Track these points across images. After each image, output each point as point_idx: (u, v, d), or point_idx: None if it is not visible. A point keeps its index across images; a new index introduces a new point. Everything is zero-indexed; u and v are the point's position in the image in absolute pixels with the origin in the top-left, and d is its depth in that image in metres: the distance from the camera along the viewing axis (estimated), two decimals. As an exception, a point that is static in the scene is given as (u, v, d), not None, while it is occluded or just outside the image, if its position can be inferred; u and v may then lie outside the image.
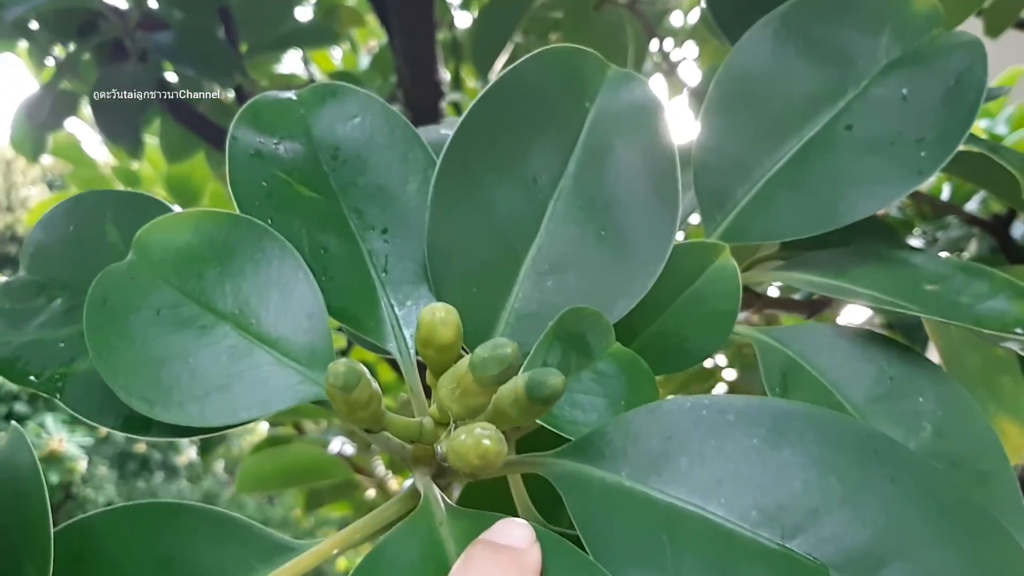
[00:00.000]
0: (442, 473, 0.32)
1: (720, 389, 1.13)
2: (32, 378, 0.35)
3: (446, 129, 0.45)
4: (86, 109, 1.22)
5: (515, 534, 0.26)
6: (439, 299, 0.34)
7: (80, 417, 0.34)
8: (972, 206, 0.81)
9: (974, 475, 0.39)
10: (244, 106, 0.37)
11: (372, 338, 0.33)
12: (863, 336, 0.44)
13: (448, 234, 0.35)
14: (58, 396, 0.35)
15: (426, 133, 0.39)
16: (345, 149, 0.37)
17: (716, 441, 0.29)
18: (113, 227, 0.38)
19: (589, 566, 0.26)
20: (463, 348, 0.30)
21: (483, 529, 0.27)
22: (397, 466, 1.38)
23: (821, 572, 0.27)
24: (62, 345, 0.36)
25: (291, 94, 0.39)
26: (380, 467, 1.43)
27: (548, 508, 0.37)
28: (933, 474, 0.28)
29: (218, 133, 1.14)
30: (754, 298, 0.51)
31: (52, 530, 0.30)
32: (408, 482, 0.33)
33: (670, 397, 0.30)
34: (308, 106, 0.38)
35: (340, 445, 1.40)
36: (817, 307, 0.54)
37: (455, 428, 0.27)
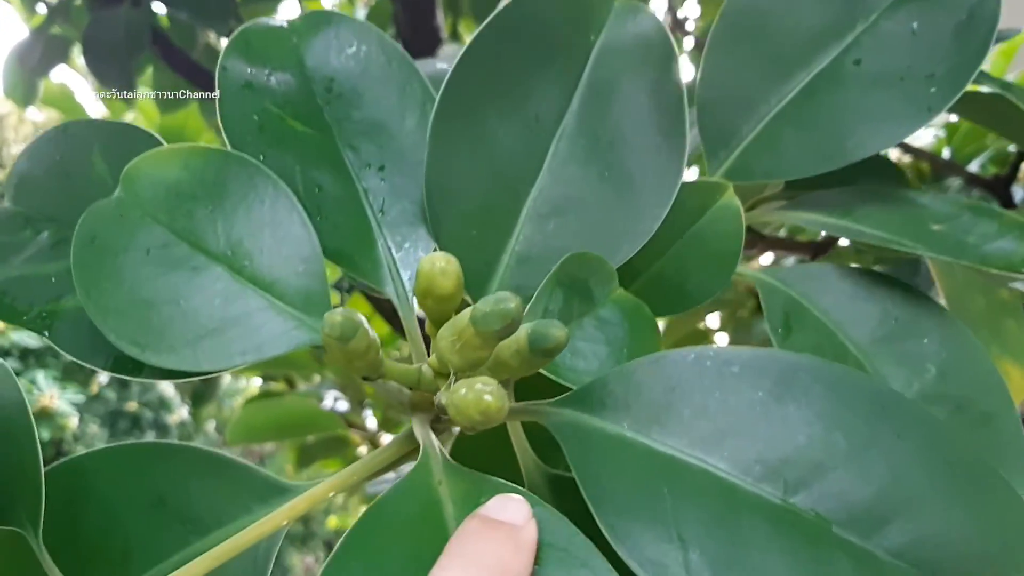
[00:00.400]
0: (440, 418, 0.32)
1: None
2: (20, 315, 0.34)
3: (443, 63, 0.43)
4: (79, 60, 1.19)
5: (511, 510, 0.25)
6: (437, 241, 0.33)
7: (70, 356, 0.33)
8: (972, 168, 0.80)
9: (978, 417, 0.39)
10: (234, 34, 0.36)
11: (369, 281, 0.32)
12: (867, 277, 0.43)
13: (447, 174, 0.34)
14: (47, 334, 0.34)
15: (423, 67, 0.37)
16: (340, 81, 0.36)
17: (720, 393, 0.29)
18: (100, 159, 0.37)
19: (585, 544, 0.26)
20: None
21: (482, 491, 0.26)
22: (390, 423, 1.38)
23: (823, 527, 0.27)
24: (51, 281, 0.35)
25: (283, 22, 0.37)
26: (372, 422, 1.43)
27: (546, 450, 0.37)
28: (940, 430, 0.28)
29: (208, 79, 1.11)
30: (757, 239, 0.50)
31: (42, 468, 0.29)
32: (406, 427, 0.33)
33: (673, 350, 0.29)
34: (301, 34, 0.37)
35: (333, 401, 1.40)
36: (820, 249, 0.53)
37: (455, 381, 0.27)
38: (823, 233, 0.59)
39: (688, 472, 0.28)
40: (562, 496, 0.34)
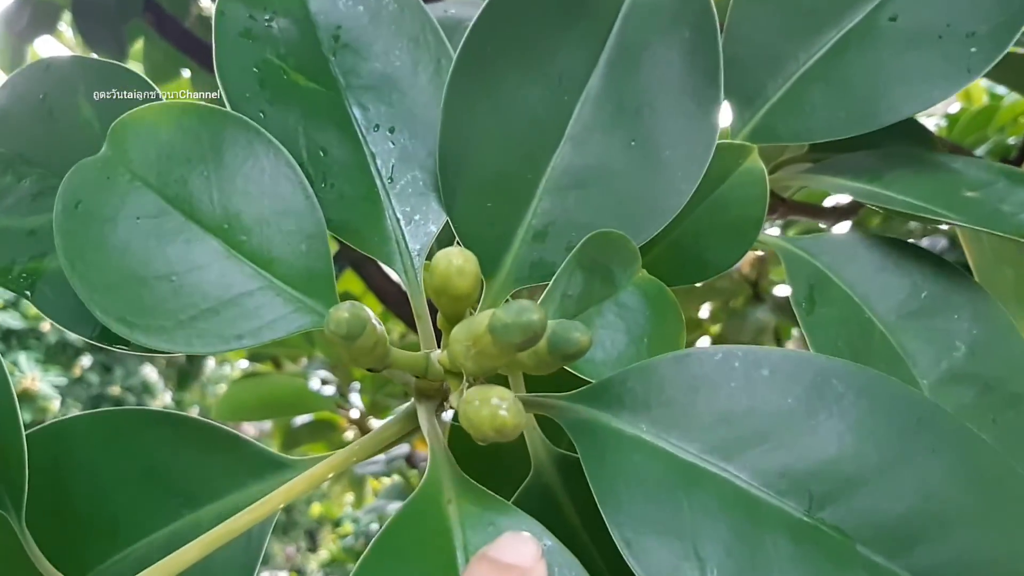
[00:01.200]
0: (444, 404, 0.30)
1: (704, 342, 1.11)
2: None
3: (454, 7, 0.40)
4: (67, 34, 1.13)
5: (521, 551, 0.24)
6: (449, 213, 0.31)
7: (54, 322, 0.31)
8: (979, 153, 0.78)
9: (1007, 398, 0.37)
10: (233, -28, 0.32)
11: (375, 256, 0.30)
12: (897, 247, 0.41)
13: (462, 139, 0.31)
14: (28, 295, 0.32)
15: (431, 10, 0.34)
16: (348, 29, 0.33)
17: (747, 399, 0.27)
18: (87, 103, 0.34)
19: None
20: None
21: (493, 515, 0.25)
22: (378, 408, 1.36)
23: (846, 548, 0.25)
24: (33, 235, 0.33)
25: (287, -41, 0.34)
26: (359, 402, 1.41)
27: (552, 426, 0.36)
28: (978, 447, 0.26)
29: (205, 51, 1.05)
30: (777, 203, 0.47)
31: (25, 448, 0.27)
32: (404, 405, 0.31)
33: (699, 346, 0.27)
34: (305, -28, 0.33)
35: (320, 384, 1.38)
36: (843, 215, 0.51)
37: (468, 386, 0.25)
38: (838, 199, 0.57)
39: (709, 482, 0.26)
40: (570, 477, 0.33)
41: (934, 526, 0.26)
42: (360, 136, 0.32)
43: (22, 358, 2.39)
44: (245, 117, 0.29)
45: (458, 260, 0.25)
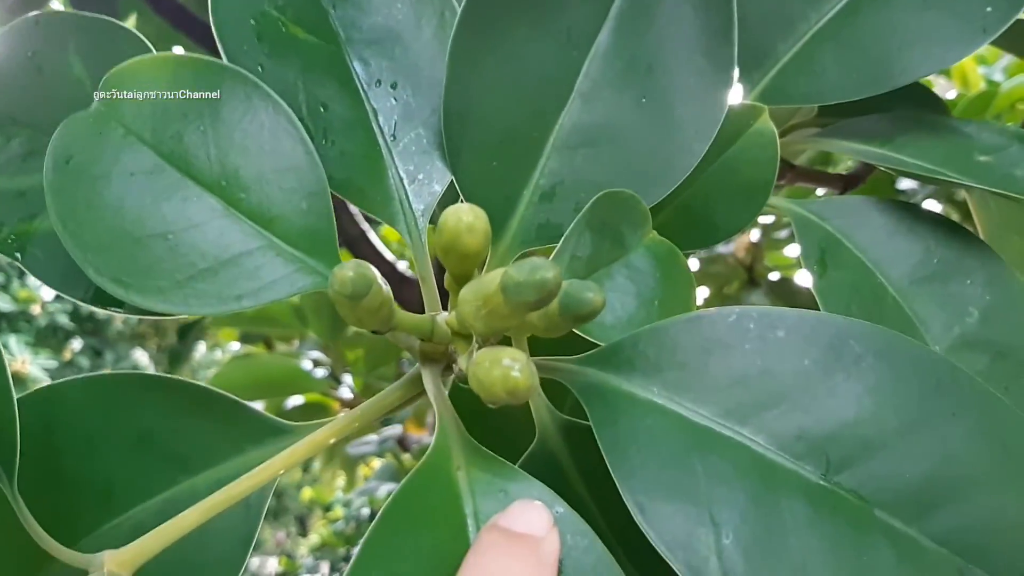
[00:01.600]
0: (451, 367, 0.29)
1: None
2: (-11, 234, 0.31)
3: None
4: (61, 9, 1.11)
5: (533, 520, 0.23)
6: (454, 172, 0.30)
7: (45, 284, 0.30)
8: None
9: (1020, 365, 0.37)
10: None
11: (378, 216, 0.29)
12: (909, 211, 0.40)
13: (468, 96, 0.30)
14: (18, 257, 0.31)
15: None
16: (348, -20, 0.32)
17: (763, 360, 0.26)
18: (78, 59, 0.33)
19: (606, 557, 0.24)
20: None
21: (504, 481, 0.24)
22: (370, 391, 1.34)
23: (865, 512, 0.25)
24: (24, 197, 0.32)
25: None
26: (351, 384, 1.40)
27: (558, 393, 0.35)
28: (1000, 409, 0.26)
29: (199, 27, 1.03)
30: (787, 168, 0.46)
31: (17, 417, 0.26)
32: (411, 370, 0.31)
33: (713, 308, 0.27)
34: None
35: (312, 366, 1.37)
36: (852, 182, 0.50)
37: (478, 348, 0.24)
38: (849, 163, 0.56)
39: (724, 445, 0.25)
40: (577, 446, 0.32)
41: (953, 490, 0.25)
42: (361, 92, 0.31)
43: (12, 341, 2.39)
44: (243, 70, 0.28)
45: (468, 217, 0.24)
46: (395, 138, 0.30)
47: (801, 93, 0.41)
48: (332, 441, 0.30)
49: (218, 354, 2.79)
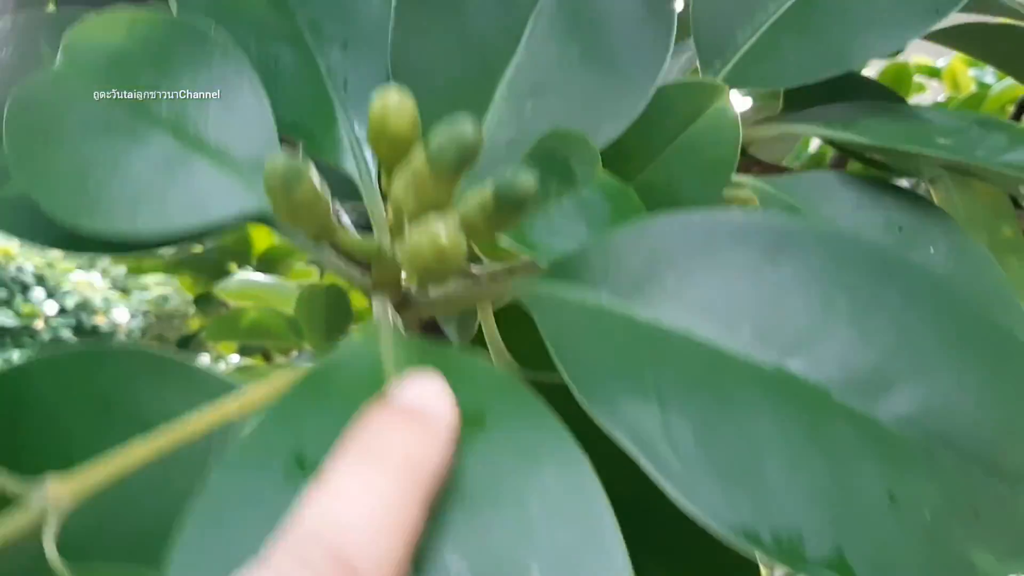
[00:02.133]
0: (407, 303, 0.29)
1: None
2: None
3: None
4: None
5: (426, 393, 0.20)
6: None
7: (13, 236, 0.31)
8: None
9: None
10: None
11: (328, 157, 0.30)
12: (872, 184, 0.40)
13: (415, 51, 0.31)
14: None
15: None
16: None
17: (708, 258, 0.26)
18: (49, 49, 0.34)
19: (536, 409, 0.23)
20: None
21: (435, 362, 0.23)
22: None
23: (819, 393, 0.24)
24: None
25: None
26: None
27: (523, 351, 0.34)
28: (953, 295, 0.25)
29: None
30: (752, 163, 0.47)
31: None
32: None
33: (658, 217, 0.27)
34: None
35: None
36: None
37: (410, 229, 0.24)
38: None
39: (671, 339, 0.25)
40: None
41: (912, 371, 0.24)
42: (313, 50, 0.32)
43: (15, 356, 2.38)
44: (197, 23, 0.29)
45: (394, 97, 0.24)
46: (346, 88, 0.31)
47: (761, 78, 0.43)
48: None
49: (222, 366, 2.78)
